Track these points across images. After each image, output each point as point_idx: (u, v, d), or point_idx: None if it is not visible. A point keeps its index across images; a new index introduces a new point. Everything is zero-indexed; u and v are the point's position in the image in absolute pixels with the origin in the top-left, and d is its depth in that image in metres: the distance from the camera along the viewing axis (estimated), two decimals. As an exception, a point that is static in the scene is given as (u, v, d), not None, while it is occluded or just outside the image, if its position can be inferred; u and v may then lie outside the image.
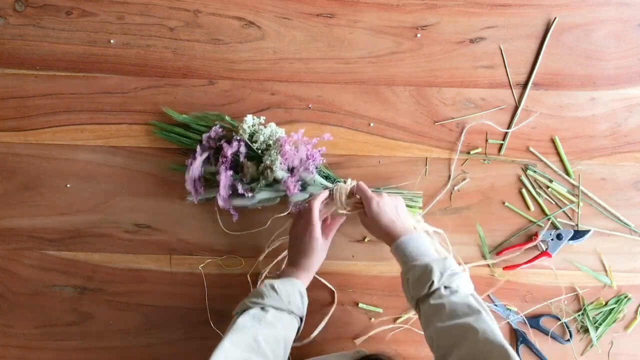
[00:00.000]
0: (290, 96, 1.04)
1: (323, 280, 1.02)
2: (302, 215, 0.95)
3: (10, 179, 1.05)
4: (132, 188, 1.04)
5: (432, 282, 0.80)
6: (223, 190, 0.93)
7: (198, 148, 0.97)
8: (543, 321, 1.02)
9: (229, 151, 0.94)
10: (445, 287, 0.80)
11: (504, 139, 1.04)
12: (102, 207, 1.04)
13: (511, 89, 1.04)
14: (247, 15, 1.04)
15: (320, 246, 0.92)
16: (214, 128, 0.98)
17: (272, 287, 0.85)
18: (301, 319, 0.88)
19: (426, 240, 0.89)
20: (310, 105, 1.04)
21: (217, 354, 0.74)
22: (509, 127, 1.04)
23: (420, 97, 1.04)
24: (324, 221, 0.97)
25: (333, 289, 1.03)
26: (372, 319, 1.03)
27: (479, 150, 1.04)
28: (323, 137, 0.97)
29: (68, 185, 1.04)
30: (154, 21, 1.04)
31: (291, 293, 0.85)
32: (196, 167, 0.95)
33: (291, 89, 1.04)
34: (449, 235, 1.03)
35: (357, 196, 0.94)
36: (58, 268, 1.04)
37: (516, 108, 1.04)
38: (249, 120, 0.96)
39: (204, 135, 0.98)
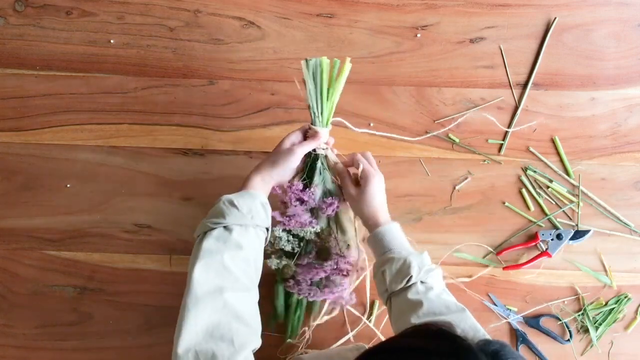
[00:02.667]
0: (290, 96, 1.04)
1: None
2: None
3: (10, 179, 1.05)
4: (132, 188, 1.04)
5: (411, 276, 0.79)
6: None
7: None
8: (543, 321, 1.02)
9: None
10: (422, 282, 0.80)
11: (504, 139, 1.04)
12: (102, 207, 1.04)
13: (511, 89, 1.04)
14: (247, 15, 1.04)
15: (288, 153, 0.85)
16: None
17: (232, 203, 0.79)
18: (267, 229, 0.84)
19: (401, 232, 0.87)
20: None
21: (190, 288, 0.73)
22: (509, 126, 1.04)
23: (420, 97, 1.04)
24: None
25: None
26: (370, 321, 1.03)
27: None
28: None
29: (68, 185, 1.04)
30: (154, 21, 1.04)
31: (252, 206, 0.80)
32: None
33: (291, 89, 1.04)
34: (448, 235, 1.03)
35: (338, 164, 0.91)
36: (58, 268, 1.04)
37: (516, 108, 1.04)
38: (279, 237, 0.90)
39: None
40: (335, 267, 0.91)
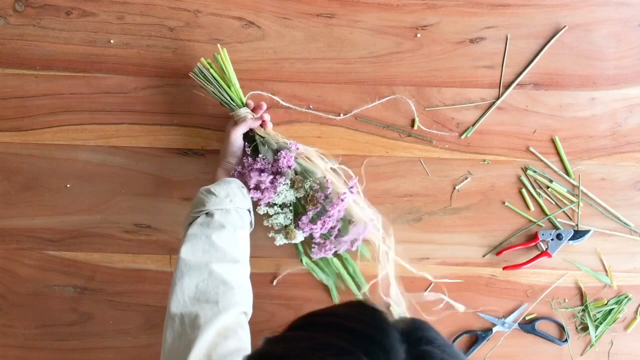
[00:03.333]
0: (290, 96, 1.04)
1: None
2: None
3: (10, 179, 1.05)
4: (132, 188, 1.04)
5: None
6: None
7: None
8: (538, 325, 1.02)
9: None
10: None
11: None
12: (102, 207, 1.04)
13: (499, 87, 1.04)
14: (247, 15, 1.04)
15: (225, 139, 0.96)
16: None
17: (209, 191, 0.86)
18: (249, 211, 0.91)
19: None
20: (310, 106, 1.04)
21: (178, 267, 0.77)
22: (478, 121, 1.04)
23: (420, 97, 1.04)
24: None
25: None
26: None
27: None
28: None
29: (68, 185, 1.04)
30: (154, 21, 1.04)
31: (229, 190, 0.87)
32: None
33: (291, 89, 1.04)
34: (448, 235, 1.03)
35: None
36: (58, 268, 1.04)
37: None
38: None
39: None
40: (328, 204, 0.93)
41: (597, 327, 1.02)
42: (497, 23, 1.04)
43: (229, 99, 0.96)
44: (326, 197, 0.93)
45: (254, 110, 0.97)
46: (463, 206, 1.04)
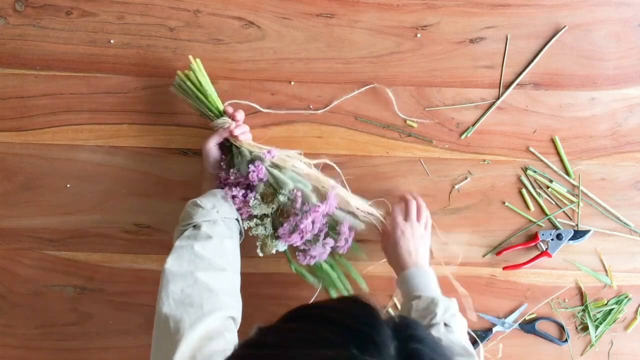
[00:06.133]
0: (290, 96, 1.04)
1: None
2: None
3: (10, 179, 1.05)
4: (132, 188, 1.04)
5: (436, 314, 0.81)
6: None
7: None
8: (539, 325, 1.02)
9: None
10: (445, 325, 0.82)
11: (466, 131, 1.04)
12: (102, 207, 1.04)
13: (503, 88, 1.04)
14: (247, 15, 1.04)
15: (203, 153, 0.95)
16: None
17: (195, 204, 0.86)
18: (238, 221, 0.90)
19: (435, 280, 0.90)
20: (310, 106, 1.04)
21: (163, 276, 0.77)
22: (474, 123, 1.04)
23: (420, 97, 1.04)
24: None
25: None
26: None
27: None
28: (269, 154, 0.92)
29: (68, 185, 1.04)
30: (154, 21, 1.04)
31: (215, 202, 0.87)
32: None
33: (291, 89, 1.04)
34: (449, 235, 1.03)
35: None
36: (58, 268, 1.04)
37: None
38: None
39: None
40: (304, 213, 0.89)
41: (597, 327, 1.02)
42: (497, 23, 1.04)
43: (207, 109, 0.95)
44: (301, 208, 0.89)
45: (232, 118, 0.93)
46: (463, 206, 1.04)
